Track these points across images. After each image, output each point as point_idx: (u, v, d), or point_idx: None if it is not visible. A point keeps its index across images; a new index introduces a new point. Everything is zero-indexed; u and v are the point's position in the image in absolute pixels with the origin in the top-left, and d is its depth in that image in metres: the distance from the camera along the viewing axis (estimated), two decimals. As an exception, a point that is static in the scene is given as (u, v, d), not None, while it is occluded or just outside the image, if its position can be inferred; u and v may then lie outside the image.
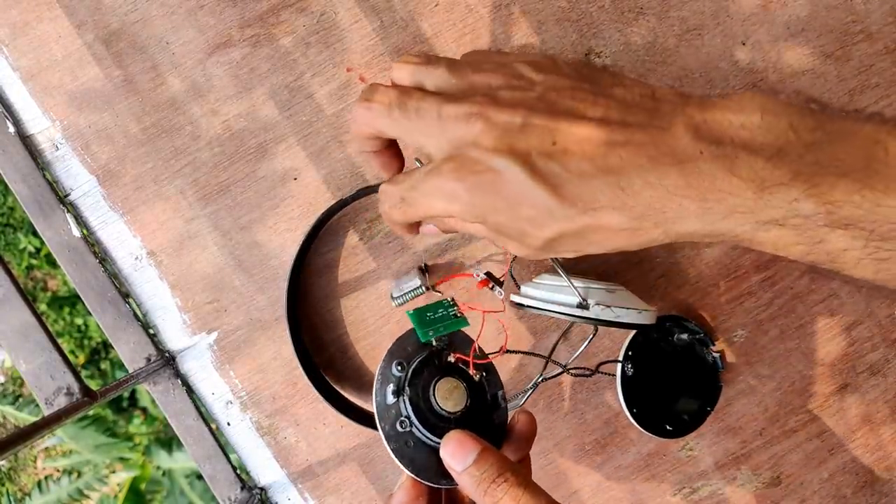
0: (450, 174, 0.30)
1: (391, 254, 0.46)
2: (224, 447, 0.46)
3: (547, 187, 0.28)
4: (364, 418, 0.45)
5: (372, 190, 0.44)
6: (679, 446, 0.48)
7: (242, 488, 0.46)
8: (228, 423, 0.47)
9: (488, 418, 0.35)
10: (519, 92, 0.30)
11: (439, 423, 0.33)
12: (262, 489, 0.48)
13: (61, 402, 0.40)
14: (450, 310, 0.36)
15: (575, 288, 0.38)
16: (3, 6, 0.44)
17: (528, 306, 0.39)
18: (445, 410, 0.33)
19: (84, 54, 0.45)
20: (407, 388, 0.34)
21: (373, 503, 0.48)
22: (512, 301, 0.41)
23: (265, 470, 0.47)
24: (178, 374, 0.46)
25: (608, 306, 0.38)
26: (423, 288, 0.44)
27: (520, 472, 0.30)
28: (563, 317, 0.38)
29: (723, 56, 0.45)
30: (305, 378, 0.44)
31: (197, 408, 0.46)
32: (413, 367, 0.34)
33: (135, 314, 0.46)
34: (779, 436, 0.47)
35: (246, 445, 0.47)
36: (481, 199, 0.30)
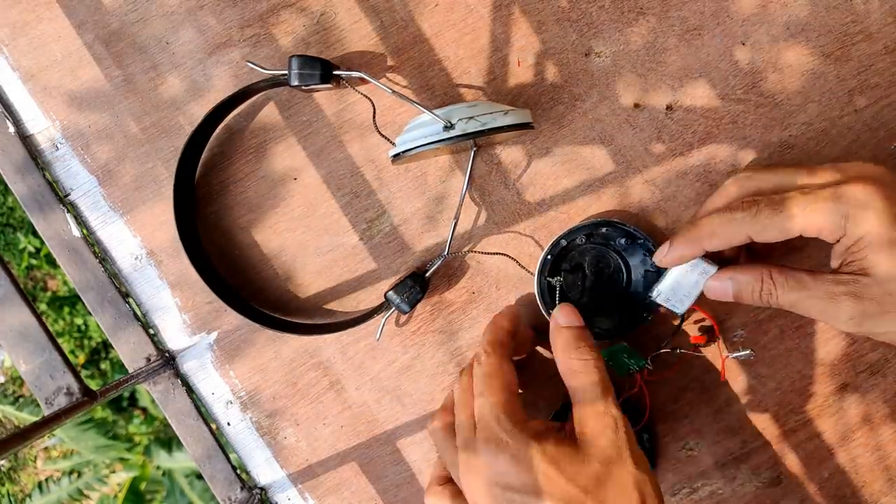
0: (864, 182, 0.33)
1: (391, 254, 0.46)
2: (224, 447, 0.46)
3: None
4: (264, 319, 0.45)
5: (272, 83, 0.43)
6: (679, 446, 0.48)
7: (242, 488, 0.46)
8: (228, 423, 0.47)
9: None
10: None
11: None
12: (261, 489, 0.48)
13: (61, 402, 0.40)
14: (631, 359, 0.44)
15: (435, 114, 0.38)
16: (3, 6, 0.44)
17: (404, 152, 0.40)
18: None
19: (84, 54, 0.45)
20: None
21: (373, 503, 0.48)
22: (391, 158, 0.41)
23: (265, 470, 0.47)
24: (178, 374, 0.46)
25: (471, 118, 0.38)
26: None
27: (589, 343, 0.39)
28: (435, 145, 0.38)
29: (723, 56, 0.45)
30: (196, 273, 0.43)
31: (197, 408, 0.46)
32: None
33: (135, 314, 0.46)
34: (779, 436, 0.47)
35: (246, 445, 0.47)
36: (892, 208, 0.32)
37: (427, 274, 0.44)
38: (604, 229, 0.44)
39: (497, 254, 0.45)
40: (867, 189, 0.33)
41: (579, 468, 0.34)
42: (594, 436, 0.35)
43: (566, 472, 0.34)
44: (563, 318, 0.40)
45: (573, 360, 0.38)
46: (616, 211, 0.46)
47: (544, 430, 0.36)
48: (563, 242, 0.44)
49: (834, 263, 0.35)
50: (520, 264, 0.45)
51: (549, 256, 0.44)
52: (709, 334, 0.46)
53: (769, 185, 0.37)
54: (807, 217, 0.34)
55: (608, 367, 0.46)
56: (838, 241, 0.35)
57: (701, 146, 0.45)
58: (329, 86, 0.42)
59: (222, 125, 0.45)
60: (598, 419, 0.36)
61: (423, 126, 0.40)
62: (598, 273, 0.45)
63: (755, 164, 0.45)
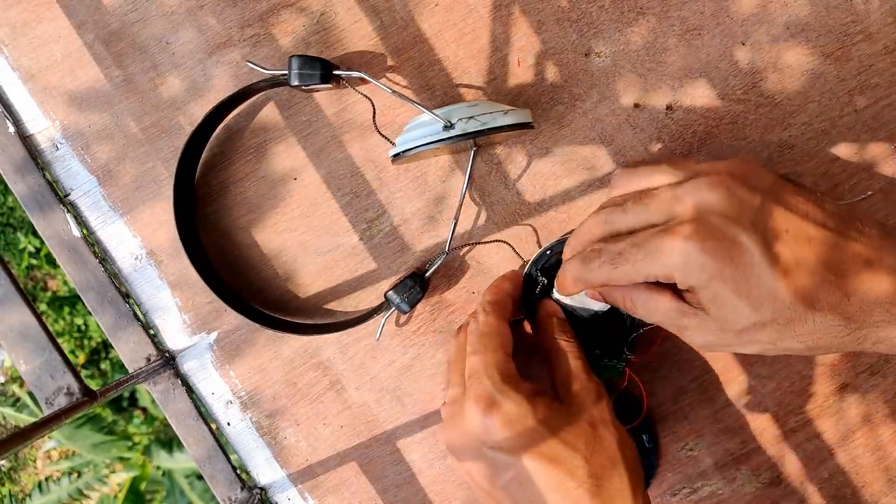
0: (686, 234, 0.32)
1: (391, 254, 0.46)
2: (224, 447, 0.47)
3: (778, 269, 0.31)
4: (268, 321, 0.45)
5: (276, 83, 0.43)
6: (679, 447, 0.48)
7: (242, 488, 0.46)
8: (228, 423, 0.47)
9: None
10: (751, 183, 0.33)
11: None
12: (262, 489, 0.48)
13: (61, 402, 0.40)
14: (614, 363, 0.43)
15: (435, 114, 0.39)
16: (3, 6, 0.44)
17: (404, 152, 0.40)
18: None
19: (84, 54, 0.45)
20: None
21: (373, 503, 0.48)
22: (391, 158, 0.41)
23: (265, 470, 0.47)
24: (178, 374, 0.46)
25: (471, 118, 0.38)
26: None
27: (571, 330, 0.41)
28: (435, 145, 0.39)
29: (723, 56, 0.45)
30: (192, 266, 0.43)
31: (197, 408, 0.46)
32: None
33: (135, 314, 0.46)
34: (779, 436, 0.47)
35: (246, 445, 0.47)
36: (712, 263, 0.31)
37: (427, 274, 0.44)
38: None
39: (495, 241, 0.45)
40: (685, 245, 0.32)
41: (568, 428, 0.36)
42: (581, 400, 0.37)
43: (555, 431, 0.35)
44: (550, 309, 0.42)
45: (561, 341, 0.40)
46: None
47: (535, 392, 0.37)
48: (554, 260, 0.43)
49: None
50: (514, 250, 0.45)
51: (548, 251, 0.42)
52: None
53: (624, 225, 0.36)
54: (639, 271, 0.34)
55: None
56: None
57: (701, 146, 0.45)
58: (329, 86, 0.42)
59: (222, 125, 0.45)
60: (583, 386, 0.38)
61: (423, 126, 0.40)
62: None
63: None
